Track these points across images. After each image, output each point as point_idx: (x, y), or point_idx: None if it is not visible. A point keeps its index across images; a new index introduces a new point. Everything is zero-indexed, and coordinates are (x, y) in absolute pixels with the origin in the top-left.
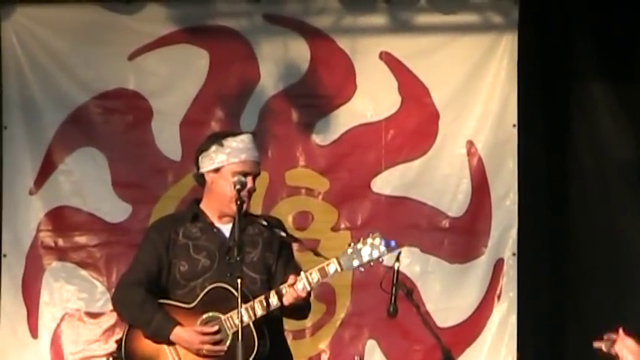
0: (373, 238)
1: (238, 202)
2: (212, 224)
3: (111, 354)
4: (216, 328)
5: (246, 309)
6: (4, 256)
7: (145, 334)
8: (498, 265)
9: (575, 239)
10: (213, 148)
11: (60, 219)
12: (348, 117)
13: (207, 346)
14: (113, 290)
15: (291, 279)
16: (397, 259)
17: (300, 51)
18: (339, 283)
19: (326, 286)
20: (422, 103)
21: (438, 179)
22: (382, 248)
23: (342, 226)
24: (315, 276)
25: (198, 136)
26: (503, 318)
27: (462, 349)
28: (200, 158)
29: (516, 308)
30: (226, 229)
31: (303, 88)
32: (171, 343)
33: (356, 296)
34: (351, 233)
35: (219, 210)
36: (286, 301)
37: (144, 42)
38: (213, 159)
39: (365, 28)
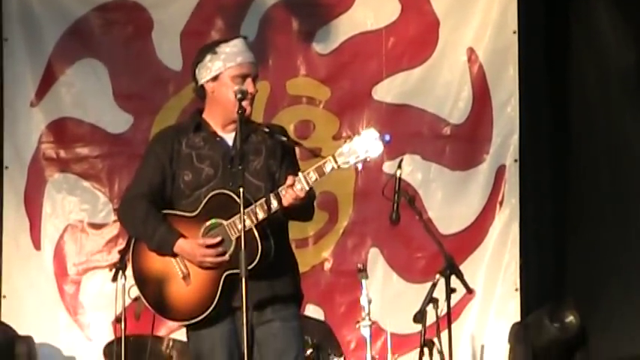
0: (368, 133)
1: (239, 112)
2: (215, 133)
3: (114, 264)
4: (218, 239)
5: (248, 213)
6: (6, 168)
7: (149, 247)
8: (500, 172)
9: (576, 145)
10: (208, 57)
11: (61, 130)
12: (348, 25)
13: (209, 259)
14: (118, 204)
15: (289, 180)
16: (399, 167)
17: None
18: (342, 191)
19: (328, 195)
20: (422, 11)
21: (438, 87)
22: (378, 143)
23: (344, 134)
24: (312, 175)
25: (199, 47)
26: (506, 224)
27: (464, 256)
28: (197, 71)
29: (519, 214)
30: (229, 137)
31: None
32: (175, 255)
33: (358, 204)
34: None
35: (222, 118)
36: (285, 201)
37: None
38: (210, 68)
39: None
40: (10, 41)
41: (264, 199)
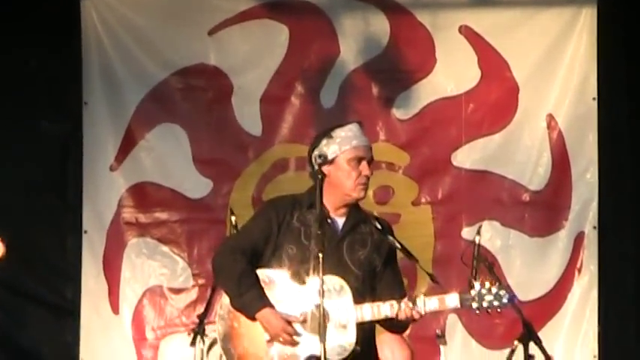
0: (499, 289)
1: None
2: (327, 214)
3: (193, 329)
4: (301, 319)
5: (356, 309)
6: (85, 232)
7: (233, 304)
8: (579, 239)
9: None
10: (324, 141)
11: (141, 195)
12: (428, 91)
13: (285, 335)
14: (216, 251)
15: (409, 299)
16: (478, 233)
17: (379, 25)
18: (421, 257)
19: (408, 261)
20: (502, 77)
21: (518, 153)
22: (505, 301)
23: (423, 200)
24: (433, 303)
25: (279, 112)
26: (585, 292)
27: (543, 323)
28: (313, 156)
29: (597, 282)
30: (340, 221)
31: (383, 63)
32: (255, 320)
33: (437, 270)
34: (431, 207)
35: (336, 200)
36: (400, 316)
37: (224, 17)
38: (326, 152)
39: (444, 3)
40: (90, 105)
41: (377, 304)
